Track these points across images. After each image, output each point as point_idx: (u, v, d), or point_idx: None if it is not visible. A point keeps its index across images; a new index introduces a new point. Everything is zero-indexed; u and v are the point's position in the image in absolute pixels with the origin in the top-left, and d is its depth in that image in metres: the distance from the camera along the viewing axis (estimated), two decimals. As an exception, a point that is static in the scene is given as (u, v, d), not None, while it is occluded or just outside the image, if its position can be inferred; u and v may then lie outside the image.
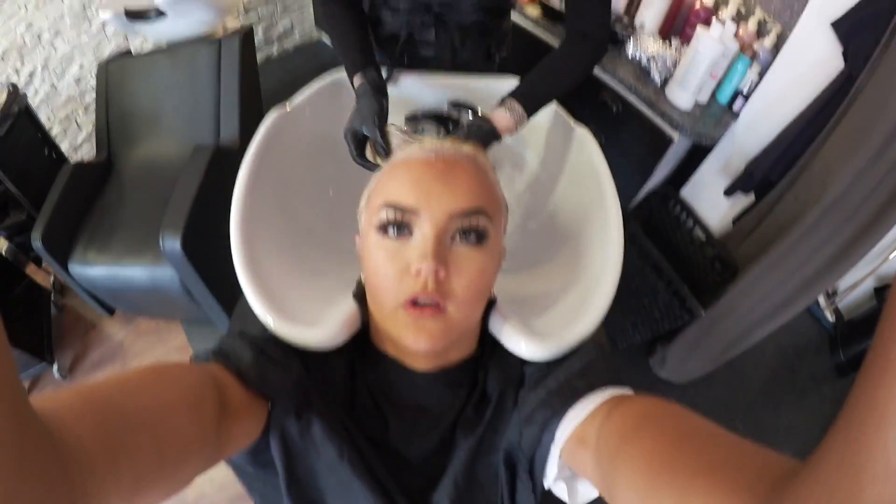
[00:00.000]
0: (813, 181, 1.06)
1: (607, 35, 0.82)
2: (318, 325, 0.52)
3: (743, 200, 1.33)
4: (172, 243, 1.16)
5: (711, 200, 1.40)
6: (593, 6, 0.77)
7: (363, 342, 0.55)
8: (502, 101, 0.75)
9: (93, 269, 1.33)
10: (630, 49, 1.34)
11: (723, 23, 1.15)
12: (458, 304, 0.45)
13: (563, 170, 0.88)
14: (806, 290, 1.18)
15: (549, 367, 0.51)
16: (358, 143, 0.73)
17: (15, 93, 1.47)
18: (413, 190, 0.46)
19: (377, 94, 0.74)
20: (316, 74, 0.91)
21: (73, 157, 1.92)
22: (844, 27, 0.96)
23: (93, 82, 1.70)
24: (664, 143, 1.27)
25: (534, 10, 1.54)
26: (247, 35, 1.48)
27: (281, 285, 0.61)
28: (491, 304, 0.57)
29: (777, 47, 1.20)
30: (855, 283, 1.67)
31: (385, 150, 0.70)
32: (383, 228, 0.46)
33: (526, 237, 0.86)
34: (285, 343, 0.51)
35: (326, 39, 2.43)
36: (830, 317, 1.81)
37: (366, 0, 0.88)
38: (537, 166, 0.93)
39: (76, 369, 1.57)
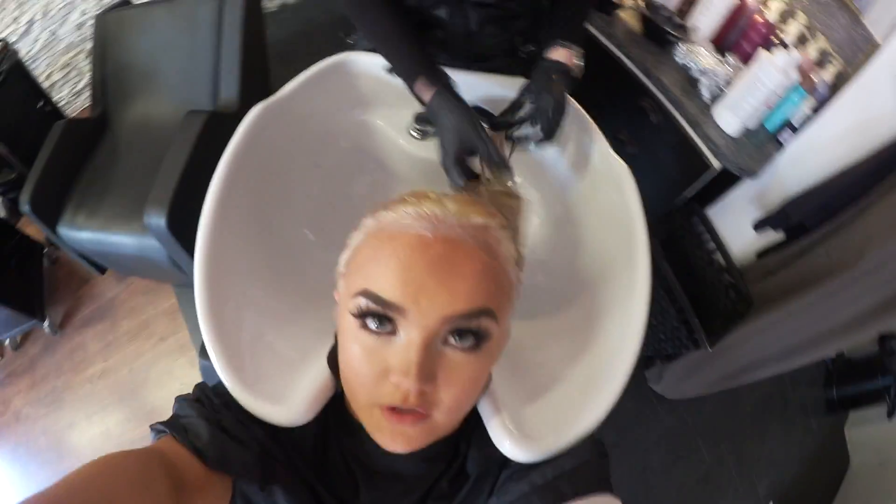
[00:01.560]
0: (850, 243, 0.99)
1: None
2: (284, 403, 0.48)
3: (771, 236, 1.27)
4: (157, 220, 1.10)
5: (737, 227, 1.33)
6: None
7: (338, 403, 0.50)
8: (551, 45, 0.68)
9: (81, 234, 1.28)
10: (679, 55, 1.21)
11: (786, 47, 1.03)
12: (444, 412, 0.40)
13: (589, 215, 0.78)
14: (817, 346, 1.15)
15: None
16: (464, 167, 0.63)
17: (5, 49, 1.38)
18: (400, 283, 0.37)
19: (462, 102, 0.65)
20: (332, 25, 0.80)
21: (74, 104, 1.85)
22: None
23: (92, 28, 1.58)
24: (701, 167, 1.18)
25: (631, 20, 1.31)
26: (251, -12, 1.33)
27: (250, 341, 0.56)
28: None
29: (836, 83, 1.09)
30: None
31: (501, 161, 0.61)
32: (361, 318, 0.39)
33: (530, 289, 0.79)
34: (247, 411, 0.47)
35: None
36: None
37: None
38: (558, 204, 0.84)
39: (67, 325, 1.56)
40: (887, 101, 0.92)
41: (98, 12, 1.46)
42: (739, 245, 1.35)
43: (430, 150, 0.80)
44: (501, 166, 0.61)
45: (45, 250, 1.60)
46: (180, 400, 0.45)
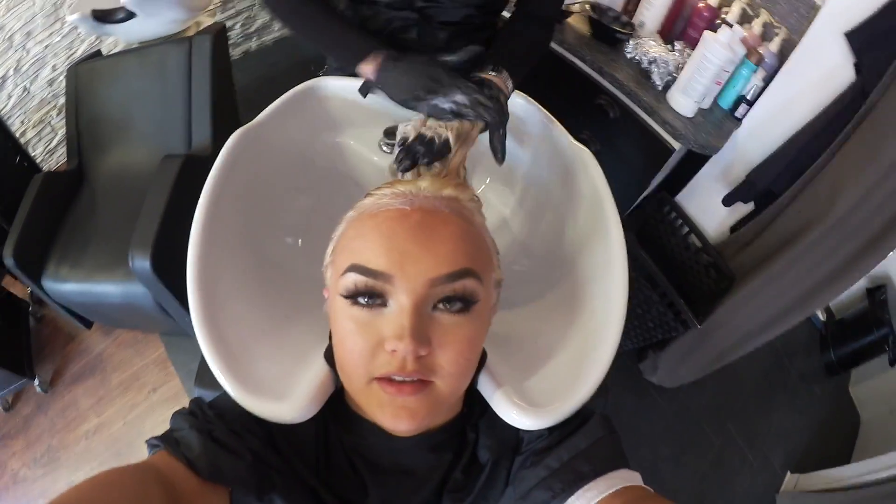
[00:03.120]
0: (818, 196, 1.03)
1: (560, 13, 0.79)
2: (285, 400, 0.47)
3: (741, 209, 1.30)
4: (142, 263, 1.11)
5: (708, 206, 1.37)
6: None
7: (337, 400, 0.50)
8: (483, 67, 0.67)
9: (66, 286, 1.28)
10: (629, 50, 1.27)
11: (730, 26, 1.09)
12: (444, 378, 0.40)
13: (560, 199, 0.82)
14: (804, 304, 1.17)
15: (550, 433, 0.47)
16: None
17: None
18: (384, 251, 0.39)
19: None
20: (296, 68, 0.83)
21: (49, 161, 1.87)
22: (859, 39, 0.91)
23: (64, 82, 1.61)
24: (664, 152, 1.23)
25: (580, 24, 1.36)
26: (218, 33, 1.38)
27: (246, 345, 0.56)
28: (481, 360, 0.52)
29: (782, 52, 1.15)
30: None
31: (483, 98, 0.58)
32: (352, 296, 0.40)
33: (515, 276, 0.81)
34: (241, 417, 0.46)
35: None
36: (822, 315, 1.82)
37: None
38: (529, 195, 0.87)
39: (57, 383, 1.53)
40: (834, 55, 0.96)
41: (69, 66, 1.50)
42: (713, 224, 1.39)
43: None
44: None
45: (30, 308, 1.59)
46: (175, 414, 0.45)
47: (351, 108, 0.84)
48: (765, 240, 1.18)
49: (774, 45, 1.15)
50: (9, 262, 1.22)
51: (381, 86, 0.67)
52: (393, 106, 0.71)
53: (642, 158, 1.31)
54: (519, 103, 0.80)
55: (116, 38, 1.75)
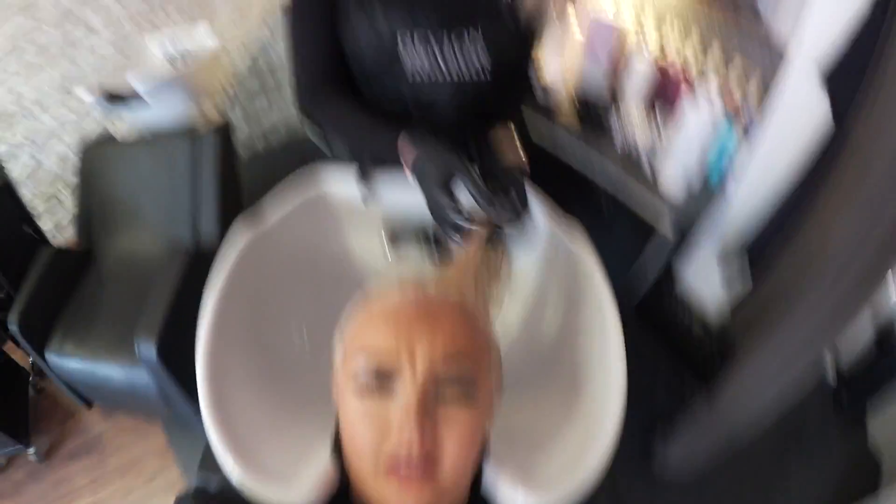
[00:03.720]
0: (809, 243, 1.02)
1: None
2: (290, 488, 0.49)
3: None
4: (148, 349, 1.12)
5: (706, 276, 1.37)
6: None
7: (342, 497, 0.50)
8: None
9: (69, 362, 1.29)
10: (616, 131, 1.33)
11: (710, 103, 1.13)
12: (448, 470, 0.41)
13: (552, 280, 0.84)
14: (811, 348, 1.11)
15: None
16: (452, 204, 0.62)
17: (-4, 166, 1.43)
18: (391, 331, 0.42)
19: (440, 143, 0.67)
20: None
21: (58, 238, 1.89)
22: (834, 83, 0.91)
23: (76, 162, 1.67)
24: (664, 244, 1.26)
25: (569, 118, 1.38)
26: (223, 130, 1.46)
27: (252, 435, 0.58)
28: (482, 454, 0.53)
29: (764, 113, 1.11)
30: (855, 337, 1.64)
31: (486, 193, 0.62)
32: (360, 379, 0.42)
33: (512, 363, 0.81)
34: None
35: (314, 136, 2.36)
36: (832, 370, 1.77)
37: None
38: (522, 280, 0.88)
39: (53, 456, 1.50)
40: (812, 105, 0.96)
41: (81, 145, 1.55)
42: (712, 292, 1.37)
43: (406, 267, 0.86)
44: (487, 196, 0.63)
45: (31, 378, 1.58)
46: (179, 495, 0.46)
47: (358, 215, 0.87)
48: (763, 296, 1.18)
49: (755, 108, 1.12)
50: (13, 328, 1.23)
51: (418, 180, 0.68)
52: (394, 206, 0.75)
53: (640, 250, 1.34)
54: None
55: (125, 124, 1.84)
